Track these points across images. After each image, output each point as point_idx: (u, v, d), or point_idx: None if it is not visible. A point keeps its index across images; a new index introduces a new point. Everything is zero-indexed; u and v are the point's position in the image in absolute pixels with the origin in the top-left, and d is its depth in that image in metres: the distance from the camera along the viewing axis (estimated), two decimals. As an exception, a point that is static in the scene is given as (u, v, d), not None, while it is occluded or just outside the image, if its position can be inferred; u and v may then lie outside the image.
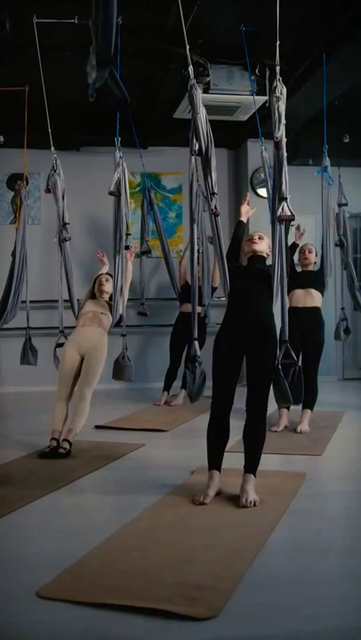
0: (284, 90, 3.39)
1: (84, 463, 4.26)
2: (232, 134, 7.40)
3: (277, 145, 3.42)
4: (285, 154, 3.42)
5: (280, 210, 3.38)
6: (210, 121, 5.97)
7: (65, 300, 5.36)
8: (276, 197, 3.44)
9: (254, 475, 3.45)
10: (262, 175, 7.44)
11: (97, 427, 5.45)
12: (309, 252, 5.62)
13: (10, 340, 6.87)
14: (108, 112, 5.20)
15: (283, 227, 3.44)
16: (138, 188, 7.50)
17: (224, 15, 4.75)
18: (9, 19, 4.60)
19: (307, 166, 7.09)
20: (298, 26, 4.71)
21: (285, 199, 3.39)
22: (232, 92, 5.59)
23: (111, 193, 4.74)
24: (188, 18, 4.73)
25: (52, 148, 5.07)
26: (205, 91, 5.57)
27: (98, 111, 5.74)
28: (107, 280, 5.27)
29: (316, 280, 5.51)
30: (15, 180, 7.28)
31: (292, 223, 5.02)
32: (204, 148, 3.56)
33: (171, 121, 6.32)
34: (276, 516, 3.21)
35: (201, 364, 3.69)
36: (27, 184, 6.66)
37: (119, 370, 5.04)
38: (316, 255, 5.65)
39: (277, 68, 3.39)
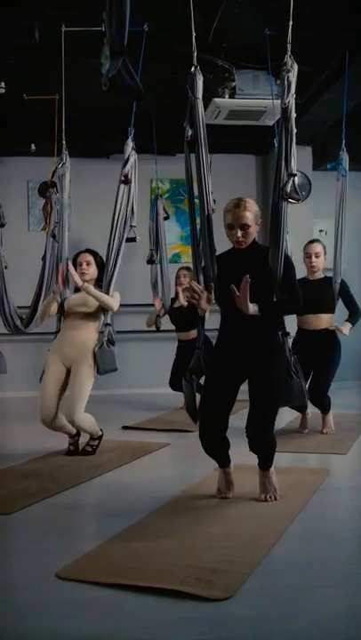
0: (296, 65, 3.24)
1: (109, 460, 4.33)
2: (259, 140, 7.46)
3: (285, 114, 3.22)
4: (294, 126, 3.24)
5: (289, 186, 3.17)
6: (234, 126, 6.03)
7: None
8: (283, 173, 3.19)
9: (270, 469, 3.38)
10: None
11: (124, 427, 5.53)
12: (316, 257, 4.99)
13: (23, 346, 6.98)
14: (137, 119, 5.30)
15: (287, 206, 3.22)
16: (167, 195, 7.59)
17: (248, 20, 4.81)
18: (38, 27, 4.74)
19: (335, 172, 7.09)
20: (321, 28, 4.78)
21: (295, 175, 3.20)
22: (258, 96, 5.64)
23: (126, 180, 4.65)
24: (213, 23, 4.85)
25: (64, 142, 5.05)
26: (231, 96, 5.65)
27: (127, 119, 5.87)
28: (88, 264, 4.58)
29: (324, 299, 4.97)
30: (47, 188, 7.42)
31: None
32: (202, 135, 3.39)
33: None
34: (297, 507, 3.23)
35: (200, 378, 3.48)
36: (57, 191, 6.79)
37: (101, 361, 4.47)
38: (326, 254, 5.06)
39: (289, 47, 3.25)
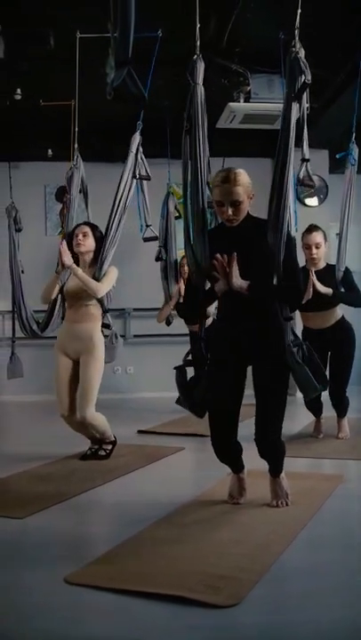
0: (303, 51, 3.09)
1: (123, 464, 4.34)
2: (274, 143, 7.43)
3: (301, 91, 3.00)
4: (307, 106, 3.12)
5: (302, 172, 3.08)
6: (249, 130, 5.98)
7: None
8: (289, 147, 2.96)
9: (281, 475, 3.34)
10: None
11: (140, 431, 5.55)
12: (317, 248, 4.67)
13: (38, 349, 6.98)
14: (151, 124, 5.31)
15: (290, 181, 2.99)
16: (183, 199, 7.58)
17: (262, 24, 4.80)
18: (53, 35, 4.77)
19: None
20: (337, 31, 4.76)
21: (308, 160, 3.11)
22: (273, 100, 5.62)
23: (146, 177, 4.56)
24: (227, 28, 4.85)
25: (76, 146, 5.08)
26: (246, 100, 5.65)
27: (143, 123, 5.89)
28: (85, 235, 4.36)
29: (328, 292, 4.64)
30: (63, 193, 7.46)
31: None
32: (200, 121, 3.18)
33: (214, 131, 6.40)
34: (308, 514, 3.21)
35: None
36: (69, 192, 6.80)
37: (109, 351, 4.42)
38: (327, 241, 4.80)
39: (296, 32, 3.09)
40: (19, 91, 5.56)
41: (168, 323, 6.57)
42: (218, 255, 2.97)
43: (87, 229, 4.39)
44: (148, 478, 4.07)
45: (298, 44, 3.08)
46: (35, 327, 5.73)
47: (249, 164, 7.78)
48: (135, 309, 7.73)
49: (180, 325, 6.30)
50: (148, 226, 4.98)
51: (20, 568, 2.64)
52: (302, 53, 3.09)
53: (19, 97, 5.61)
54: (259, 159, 7.73)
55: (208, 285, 3.22)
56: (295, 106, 3.02)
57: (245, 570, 2.54)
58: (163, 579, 2.46)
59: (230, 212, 3.01)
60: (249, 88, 5.54)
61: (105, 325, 4.45)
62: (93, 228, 4.45)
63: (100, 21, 4.60)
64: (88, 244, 4.37)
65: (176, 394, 3.37)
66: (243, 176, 3.02)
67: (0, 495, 3.67)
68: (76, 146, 5.12)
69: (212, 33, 4.88)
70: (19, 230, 5.99)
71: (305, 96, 3.16)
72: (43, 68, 5.37)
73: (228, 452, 3.33)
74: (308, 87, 3.04)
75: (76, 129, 5.12)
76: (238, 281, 2.96)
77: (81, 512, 3.44)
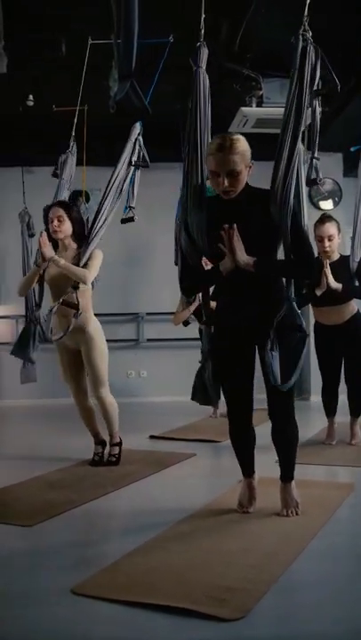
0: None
1: (134, 471, 4.33)
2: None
3: (321, 93, 3.08)
4: (319, 110, 3.17)
5: (312, 170, 3.12)
6: (261, 133, 5.94)
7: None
8: (282, 155, 2.89)
9: (292, 480, 3.29)
10: (322, 188, 7.46)
11: (151, 437, 5.53)
12: (330, 240, 4.44)
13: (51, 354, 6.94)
14: (162, 128, 5.30)
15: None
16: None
17: (274, 28, 4.78)
18: (65, 41, 4.79)
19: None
20: (350, 32, 4.74)
21: (318, 159, 3.18)
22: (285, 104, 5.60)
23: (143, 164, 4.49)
24: (239, 32, 4.84)
25: (73, 133, 5.13)
26: (258, 104, 5.63)
27: (152, 128, 5.90)
28: (60, 220, 4.12)
29: (342, 284, 4.46)
30: (77, 197, 7.47)
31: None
32: (202, 104, 3.03)
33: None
34: (319, 523, 3.17)
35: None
36: (87, 200, 6.81)
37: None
38: (340, 232, 4.55)
39: (306, 19, 2.99)
40: (31, 97, 5.57)
41: (186, 323, 6.54)
42: (226, 225, 2.77)
43: (61, 212, 4.15)
44: (158, 485, 4.05)
45: (309, 33, 2.95)
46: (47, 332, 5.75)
47: (262, 168, 7.79)
48: (148, 313, 7.74)
49: (193, 329, 6.29)
50: (131, 207, 4.97)
51: (27, 577, 2.64)
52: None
53: (31, 103, 5.62)
54: (272, 163, 7.72)
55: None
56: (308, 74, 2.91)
57: (253, 581, 2.51)
58: (168, 590, 2.44)
59: (226, 182, 2.78)
60: (261, 92, 5.53)
61: (70, 304, 4.17)
62: (68, 209, 4.22)
63: (104, 26, 4.64)
64: (65, 228, 4.16)
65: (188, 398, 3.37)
66: (241, 143, 2.81)
67: (10, 503, 3.66)
68: (73, 133, 5.09)
69: (224, 38, 4.87)
70: (32, 235, 6.01)
71: (317, 100, 3.18)
72: (51, 72, 5.38)
73: (246, 435, 3.26)
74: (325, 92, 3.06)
75: (73, 131, 5.16)
76: (244, 257, 2.79)
77: (90, 520, 3.43)
